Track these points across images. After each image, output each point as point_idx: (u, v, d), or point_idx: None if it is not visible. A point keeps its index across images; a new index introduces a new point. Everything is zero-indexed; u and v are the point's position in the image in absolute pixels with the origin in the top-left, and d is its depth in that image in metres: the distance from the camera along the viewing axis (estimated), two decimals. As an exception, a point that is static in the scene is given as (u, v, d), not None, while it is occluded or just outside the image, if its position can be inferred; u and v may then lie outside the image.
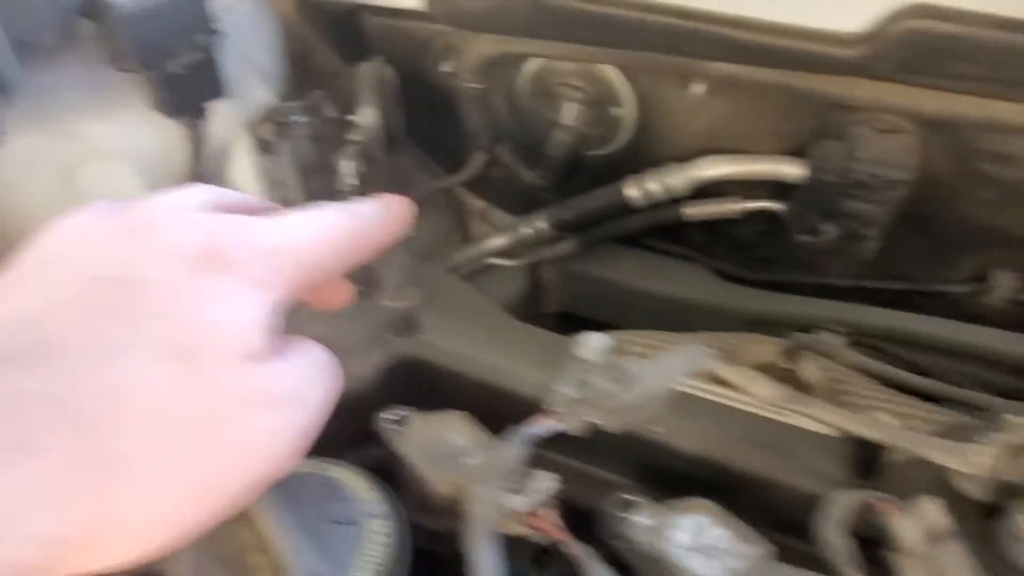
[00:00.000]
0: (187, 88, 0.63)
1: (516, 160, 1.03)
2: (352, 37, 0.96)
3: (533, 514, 0.43)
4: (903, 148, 0.80)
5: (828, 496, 0.46)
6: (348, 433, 0.54)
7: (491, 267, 1.05)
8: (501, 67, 0.92)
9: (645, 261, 1.07)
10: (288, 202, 0.89)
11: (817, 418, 0.51)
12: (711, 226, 0.98)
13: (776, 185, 0.89)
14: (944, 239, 0.88)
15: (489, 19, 0.80)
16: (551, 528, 0.44)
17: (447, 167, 1.06)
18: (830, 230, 0.87)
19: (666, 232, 1.03)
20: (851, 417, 0.51)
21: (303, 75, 0.86)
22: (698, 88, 0.85)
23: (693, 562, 0.44)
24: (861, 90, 0.76)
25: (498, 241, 1.05)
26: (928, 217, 0.86)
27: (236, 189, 0.80)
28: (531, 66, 0.92)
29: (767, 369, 0.69)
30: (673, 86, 0.86)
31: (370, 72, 0.81)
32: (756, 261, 1.01)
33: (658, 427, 0.50)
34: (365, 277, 0.62)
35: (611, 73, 0.88)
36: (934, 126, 0.77)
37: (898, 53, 0.64)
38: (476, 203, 1.16)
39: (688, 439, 0.53)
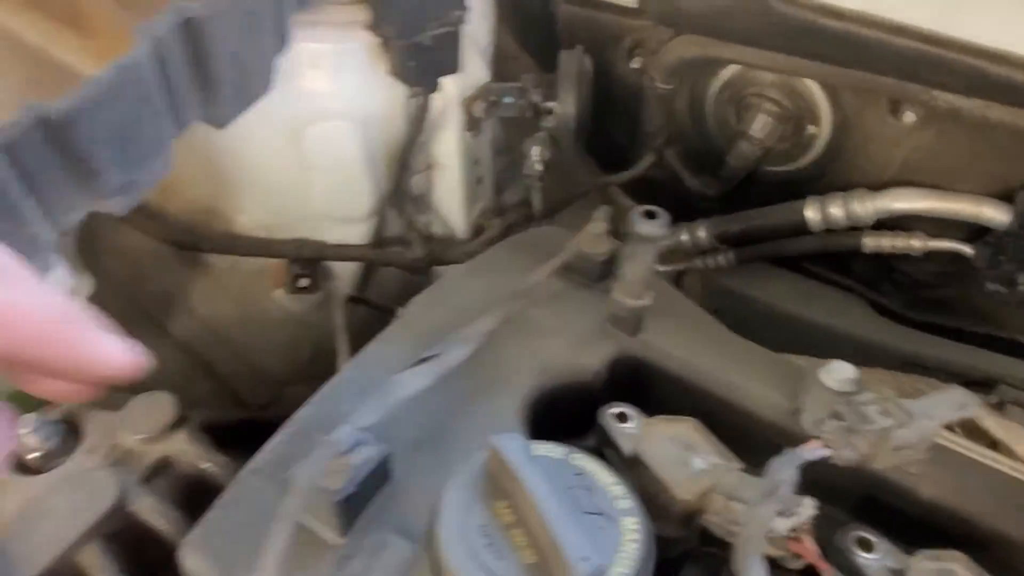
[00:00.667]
0: (430, 60, 0.63)
1: (683, 166, 1.01)
2: (540, 24, 0.95)
3: (795, 538, 0.42)
4: None
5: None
6: (566, 423, 0.54)
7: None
8: (696, 70, 0.90)
9: (799, 285, 1.03)
10: (480, 179, 0.89)
11: None
12: (882, 259, 0.95)
13: (969, 227, 0.85)
14: None
15: (710, 21, 0.78)
16: (810, 553, 0.42)
17: (604, 163, 1.04)
18: (1020, 279, 0.83)
19: (831, 259, 0.99)
20: None
21: (509, 60, 0.85)
22: (909, 116, 0.81)
23: None
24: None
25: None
26: None
27: (441, 160, 0.79)
28: (727, 72, 0.90)
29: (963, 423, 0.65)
30: (880, 110, 0.83)
31: (573, 61, 0.80)
32: (927, 302, 0.97)
33: (915, 468, 0.48)
34: (599, 270, 0.61)
35: (814, 89, 0.85)
36: None
37: None
38: (628, 203, 1.14)
39: (928, 483, 0.50)
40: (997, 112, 0.74)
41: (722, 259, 1.01)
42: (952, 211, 0.85)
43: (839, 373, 0.49)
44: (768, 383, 0.54)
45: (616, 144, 1.03)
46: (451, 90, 0.72)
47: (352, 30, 0.63)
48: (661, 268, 1.04)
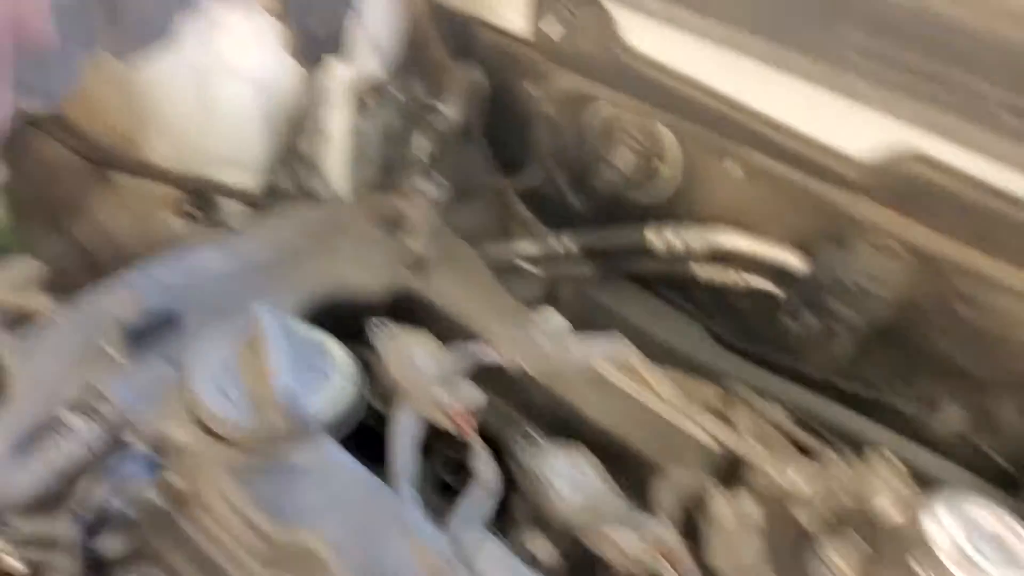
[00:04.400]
0: (318, 44, 0.78)
1: (567, 183, 1.17)
2: (464, 41, 1.11)
3: (458, 412, 0.57)
4: (893, 271, 0.90)
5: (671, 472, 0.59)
6: (343, 328, 0.69)
7: (516, 268, 1.17)
8: (576, 103, 1.06)
9: (654, 306, 1.18)
10: (366, 155, 1.04)
11: (699, 423, 0.65)
12: (719, 293, 1.10)
13: (780, 272, 1.00)
14: (910, 360, 0.97)
15: (580, 61, 0.94)
16: (467, 426, 0.56)
17: (505, 171, 1.20)
18: (811, 322, 0.98)
19: (680, 288, 1.14)
20: (721, 427, 0.64)
21: (416, 63, 1.01)
22: (734, 169, 0.97)
23: (560, 485, 0.57)
24: (866, 209, 0.87)
25: (530, 248, 1.17)
26: (901, 338, 0.96)
27: (329, 135, 0.95)
28: (602, 110, 1.05)
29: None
30: (713, 160, 0.98)
31: (465, 75, 0.95)
32: (749, 334, 1.12)
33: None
34: (396, 217, 0.76)
35: (665, 133, 1.00)
36: (924, 259, 0.88)
37: (894, 186, 0.76)
38: (523, 212, 1.29)
39: (597, 412, 0.66)
40: (790, 174, 0.90)
41: (584, 269, 1.16)
42: (763, 254, 1.00)
43: (551, 321, 0.64)
44: (505, 324, 0.69)
45: (516, 154, 1.19)
46: (344, 75, 0.87)
47: (262, 9, 0.78)
48: (536, 271, 1.19)
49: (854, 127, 0.75)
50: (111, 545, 0.60)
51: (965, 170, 0.72)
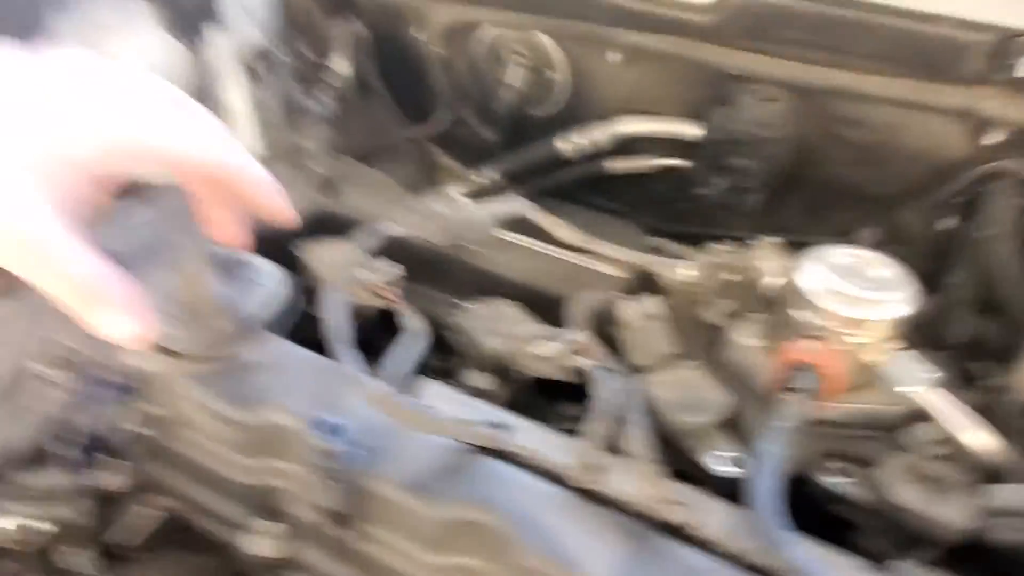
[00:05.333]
0: (190, 16, 0.83)
1: (476, 119, 1.22)
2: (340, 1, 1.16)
3: (381, 287, 0.62)
4: (777, 113, 0.96)
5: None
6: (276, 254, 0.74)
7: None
8: (461, 34, 1.11)
9: (584, 216, 1.23)
10: (272, 126, 1.09)
11: (604, 255, 0.70)
12: (636, 184, 1.15)
13: (685, 145, 1.06)
14: (818, 197, 1.03)
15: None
16: (392, 297, 0.62)
17: (415, 118, 1.25)
18: (720, 183, 1.03)
19: (600, 190, 1.20)
20: (617, 249, 0.70)
21: (296, 26, 1.06)
22: (614, 56, 1.02)
23: (486, 328, 0.63)
24: (737, 59, 0.93)
25: (456, 189, 1.22)
26: (802, 177, 1.01)
27: (229, 109, 1.00)
28: (486, 34, 1.11)
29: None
30: (595, 54, 1.04)
31: (343, 29, 1.00)
32: (673, 215, 1.17)
33: (476, 246, 0.70)
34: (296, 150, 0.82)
35: (545, 40, 1.06)
36: (799, 94, 0.93)
37: (739, 20, 0.81)
38: (446, 160, 1.34)
39: (509, 270, 0.72)
40: (661, 43, 0.96)
41: (514, 195, 1.21)
42: (662, 131, 1.06)
43: (451, 195, 0.70)
44: (412, 216, 0.74)
45: (424, 103, 1.24)
46: (228, 48, 0.93)
47: (132, -4, 0.84)
48: (468, 208, 1.24)
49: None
50: (111, 481, 0.65)
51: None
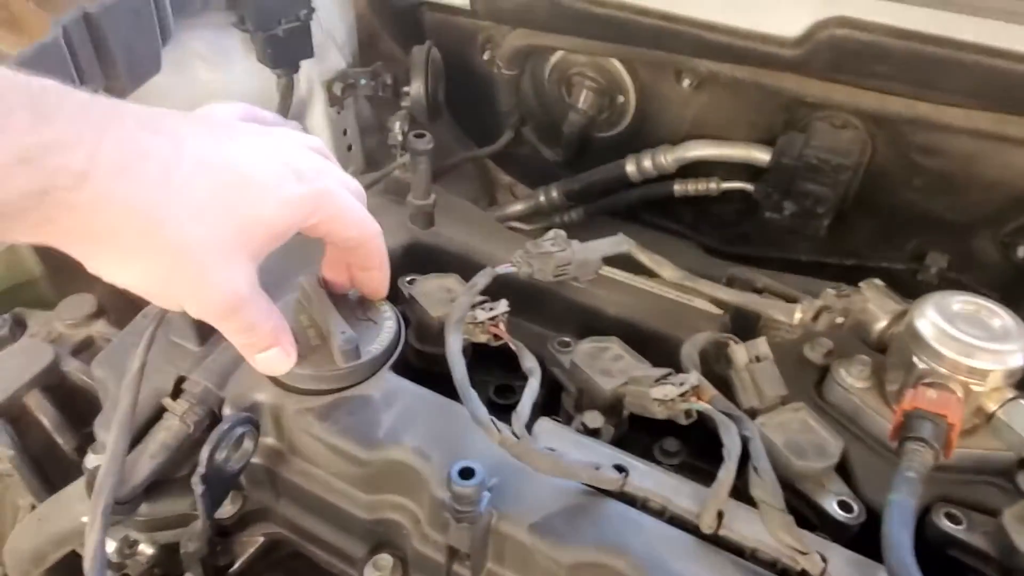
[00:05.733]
0: (286, 48, 0.84)
1: (538, 139, 1.23)
2: (412, 28, 1.18)
3: (492, 323, 0.64)
4: (851, 140, 0.97)
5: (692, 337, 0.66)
6: None
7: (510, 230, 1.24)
8: (529, 57, 1.12)
9: (643, 235, 1.24)
10: (349, 147, 1.11)
11: (703, 293, 0.72)
12: (698, 206, 1.16)
13: (751, 170, 1.07)
14: (889, 222, 1.04)
15: (518, 15, 1.00)
16: (503, 334, 0.63)
17: (479, 139, 1.26)
18: (789, 207, 1.04)
19: (661, 210, 1.21)
20: (723, 289, 0.71)
21: (371, 57, 1.07)
22: (687, 82, 1.03)
23: (598, 368, 0.64)
24: (814, 88, 0.94)
25: (518, 207, 1.24)
26: (875, 203, 1.02)
27: (312, 131, 1.02)
28: (554, 58, 1.12)
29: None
30: (666, 79, 1.05)
31: (421, 53, 1.02)
32: (735, 237, 1.18)
33: (582, 283, 0.71)
34: (397, 187, 0.83)
35: (617, 66, 1.07)
36: (876, 122, 0.94)
37: (826, 54, 0.82)
38: (504, 178, 1.36)
39: (608, 305, 0.74)
40: (738, 71, 0.97)
41: (575, 214, 1.22)
42: (731, 155, 1.07)
43: (550, 238, 0.71)
44: (510, 251, 0.76)
45: (488, 126, 1.25)
46: (312, 74, 0.94)
47: (228, 28, 0.85)
48: (527, 228, 1.25)
49: (781, 9, 0.82)
50: (228, 509, 0.67)
51: (887, 22, 0.78)
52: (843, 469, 0.63)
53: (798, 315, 0.67)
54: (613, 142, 1.17)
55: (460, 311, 0.62)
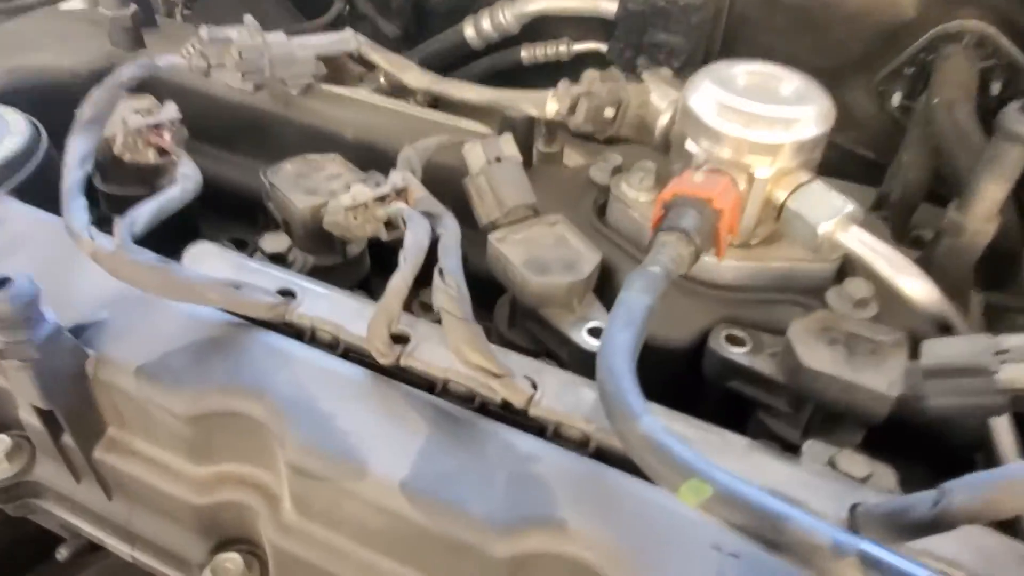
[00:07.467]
0: None
1: (375, 12, 1.08)
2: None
3: (155, 131, 0.49)
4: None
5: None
6: None
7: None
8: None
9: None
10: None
11: (451, 96, 0.58)
12: (552, 76, 1.01)
13: (603, 29, 0.92)
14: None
15: None
16: (167, 143, 0.49)
17: (308, 13, 1.11)
18: (643, 64, 0.90)
19: (516, 82, 1.06)
20: (471, 88, 0.57)
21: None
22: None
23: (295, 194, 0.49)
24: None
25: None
26: (733, 51, 0.88)
27: None
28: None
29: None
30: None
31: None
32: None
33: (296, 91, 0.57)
34: None
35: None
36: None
37: None
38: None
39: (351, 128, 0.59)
40: None
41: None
42: (576, 8, 0.92)
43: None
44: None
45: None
46: None
47: None
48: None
49: None
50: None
51: None
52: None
53: (552, 105, 0.53)
54: (447, 8, 1.02)
55: (94, 108, 0.47)
